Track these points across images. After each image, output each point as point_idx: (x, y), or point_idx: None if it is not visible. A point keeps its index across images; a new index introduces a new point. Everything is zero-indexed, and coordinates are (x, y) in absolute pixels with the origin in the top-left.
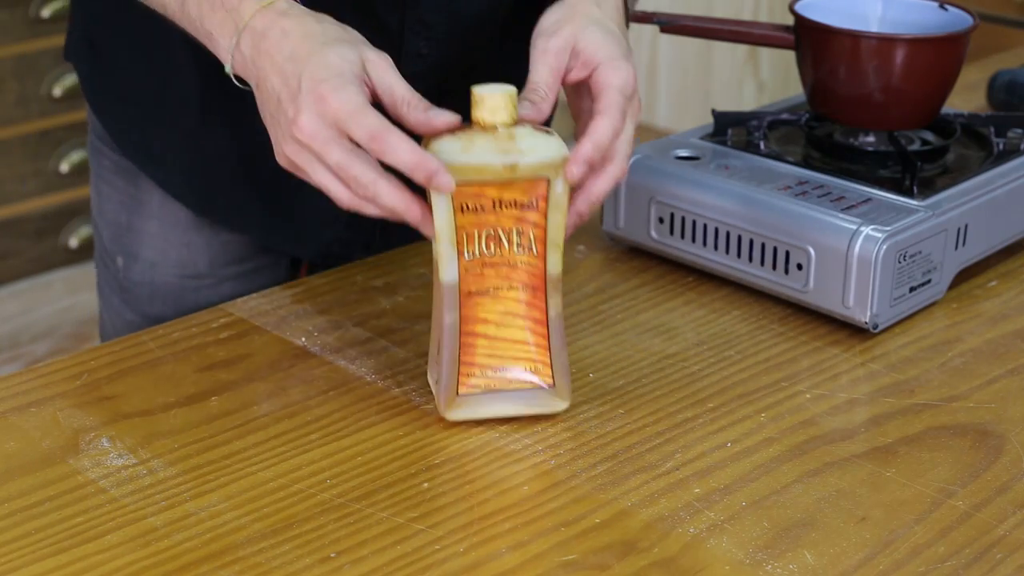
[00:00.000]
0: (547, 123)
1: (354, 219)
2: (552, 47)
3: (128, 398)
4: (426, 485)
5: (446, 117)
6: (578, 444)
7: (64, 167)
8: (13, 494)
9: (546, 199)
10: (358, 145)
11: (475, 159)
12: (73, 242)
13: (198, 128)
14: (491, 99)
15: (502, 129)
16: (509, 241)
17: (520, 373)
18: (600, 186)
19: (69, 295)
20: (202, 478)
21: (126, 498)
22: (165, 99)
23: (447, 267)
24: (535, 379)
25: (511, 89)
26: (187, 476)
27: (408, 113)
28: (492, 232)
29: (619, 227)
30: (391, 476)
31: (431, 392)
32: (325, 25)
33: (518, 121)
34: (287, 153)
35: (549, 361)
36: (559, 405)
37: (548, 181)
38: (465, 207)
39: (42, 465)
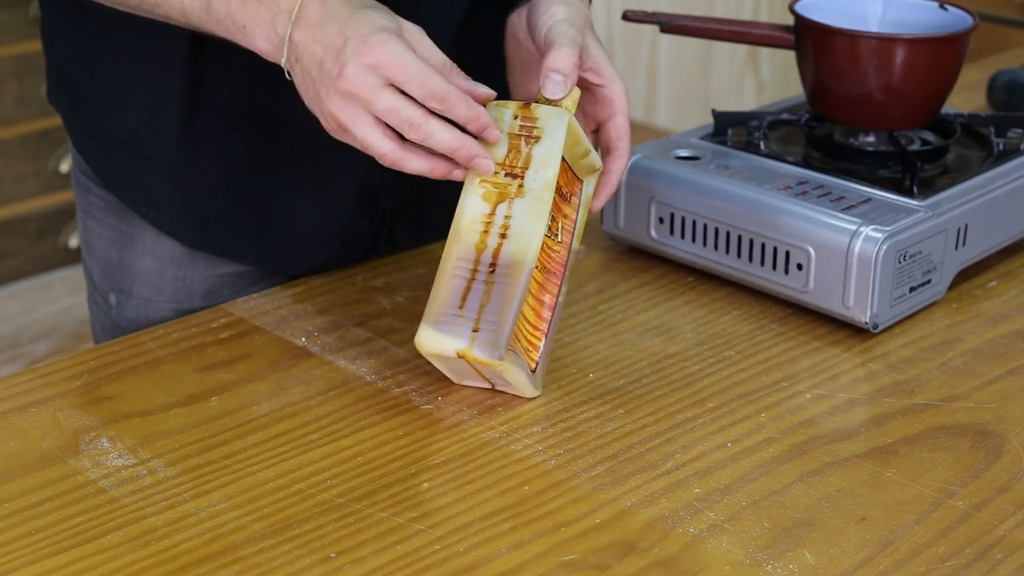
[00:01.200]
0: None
1: (350, 238)
2: (559, 23)
3: (128, 398)
4: (426, 485)
5: (485, 89)
6: (578, 444)
7: (64, 167)
8: (13, 494)
9: (579, 195)
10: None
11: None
12: (73, 242)
13: (185, 162)
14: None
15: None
16: (551, 229)
17: (512, 344)
18: (615, 179)
19: (69, 295)
20: (202, 478)
21: (126, 498)
22: (148, 137)
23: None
24: (528, 355)
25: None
26: (187, 476)
27: (452, 78)
28: (563, 222)
29: (619, 227)
30: (391, 476)
31: (431, 392)
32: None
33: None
34: (332, 110)
35: (540, 346)
36: (531, 391)
37: (582, 181)
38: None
39: (42, 465)
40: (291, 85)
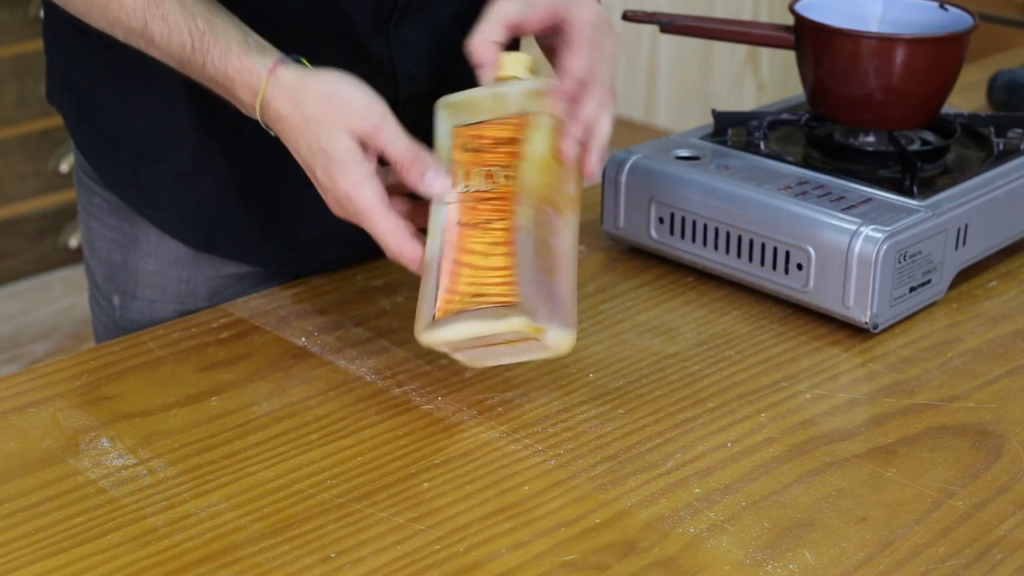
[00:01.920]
0: (515, 45)
1: (355, 238)
2: None
3: (128, 398)
4: (426, 485)
5: (438, 188)
6: (578, 444)
7: (64, 167)
8: (13, 494)
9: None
10: None
11: (471, 95)
12: (73, 242)
13: (192, 166)
14: (505, 57)
15: (508, 80)
16: (504, 177)
17: (492, 298)
18: (587, 109)
19: (69, 295)
20: (202, 478)
21: (126, 498)
22: (156, 141)
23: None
24: (500, 300)
25: (525, 56)
26: (187, 476)
27: (404, 176)
28: (488, 171)
29: (619, 227)
30: (391, 476)
31: (431, 392)
32: (307, 104)
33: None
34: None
35: (516, 280)
36: (523, 323)
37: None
38: (467, 147)
39: (42, 465)
40: None
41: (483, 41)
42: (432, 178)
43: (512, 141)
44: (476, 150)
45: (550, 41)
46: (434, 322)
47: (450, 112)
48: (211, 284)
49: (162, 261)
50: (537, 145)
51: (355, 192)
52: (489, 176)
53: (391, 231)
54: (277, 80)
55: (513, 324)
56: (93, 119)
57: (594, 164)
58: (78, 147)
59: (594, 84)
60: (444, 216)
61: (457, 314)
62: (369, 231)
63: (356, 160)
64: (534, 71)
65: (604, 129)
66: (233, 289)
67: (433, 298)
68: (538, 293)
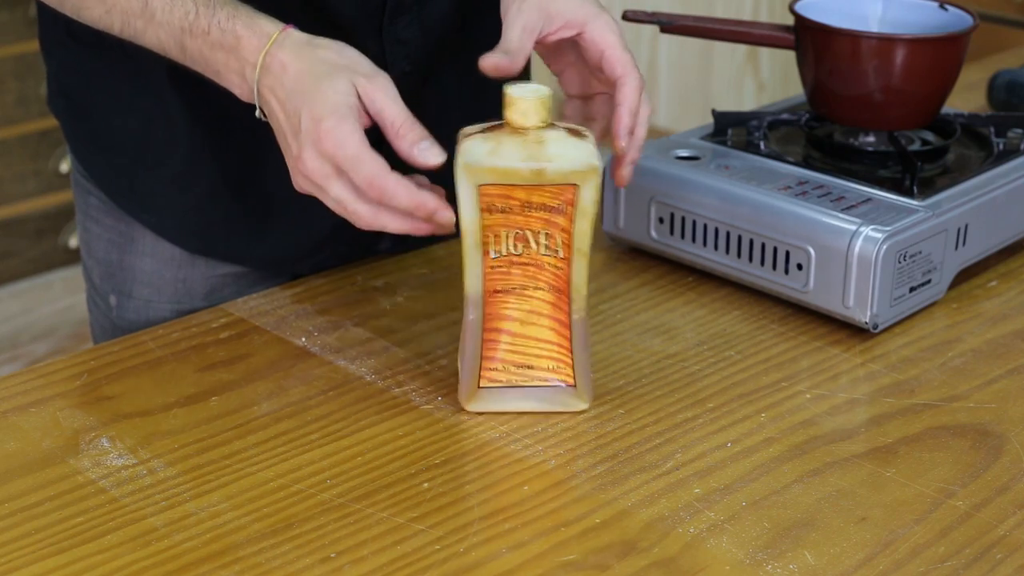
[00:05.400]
0: (524, 75)
1: (352, 239)
2: (525, 7)
3: (128, 398)
4: (426, 485)
5: (433, 159)
6: (578, 444)
7: (64, 167)
8: (13, 494)
9: (573, 204)
10: None
11: (502, 162)
12: (73, 242)
13: (187, 170)
14: (523, 102)
15: (533, 132)
16: (536, 242)
17: (542, 371)
18: (639, 135)
19: (69, 295)
20: (202, 478)
21: (126, 498)
22: (150, 145)
23: (471, 268)
24: (555, 378)
25: (544, 91)
26: (187, 476)
27: (396, 141)
28: (520, 232)
29: (619, 227)
30: (391, 476)
31: (431, 392)
32: (320, 52)
33: (552, 124)
34: (298, 183)
35: (571, 361)
36: (579, 405)
37: (576, 187)
38: (493, 207)
39: (42, 465)
40: None
41: (512, 51)
42: (427, 147)
43: (545, 207)
44: (504, 211)
45: (564, 57)
46: (480, 391)
47: (472, 175)
48: (208, 283)
49: (158, 261)
50: (583, 237)
51: (346, 136)
52: (521, 239)
53: (382, 171)
54: (288, 35)
55: (572, 406)
56: (88, 125)
57: (629, 173)
58: (74, 153)
59: (629, 76)
60: (479, 281)
61: (508, 386)
62: (359, 177)
63: (349, 105)
64: (550, 109)
65: (643, 142)
66: (230, 288)
67: (475, 367)
68: (587, 372)
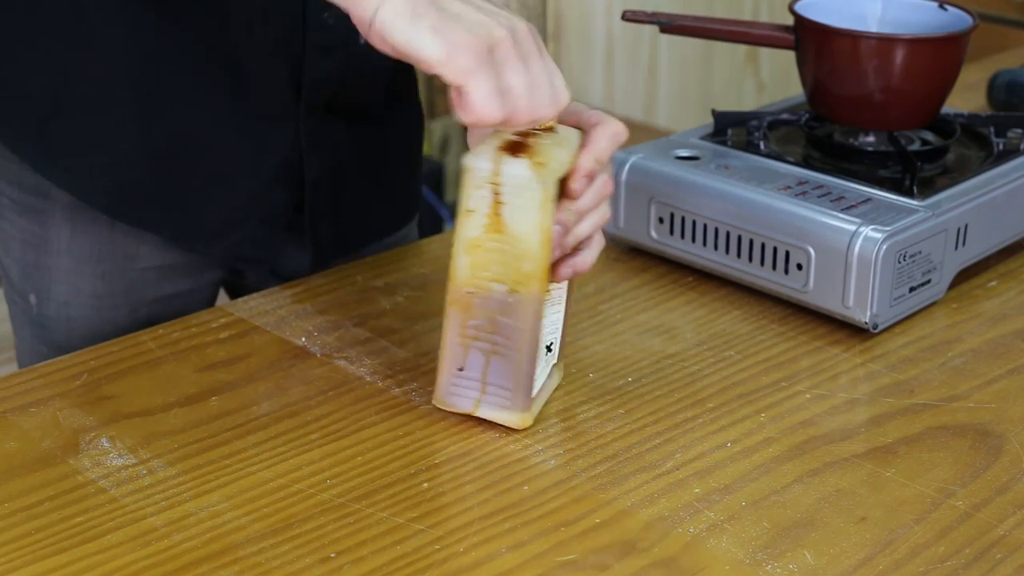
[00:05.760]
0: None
1: (266, 217)
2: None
3: (128, 398)
4: (426, 485)
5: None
6: (578, 444)
7: None
8: (13, 494)
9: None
10: None
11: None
12: None
13: (107, 128)
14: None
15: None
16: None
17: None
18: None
19: None
20: (202, 478)
21: (126, 498)
22: (67, 100)
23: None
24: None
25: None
26: (187, 476)
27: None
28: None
29: (619, 227)
30: (391, 476)
31: (431, 392)
32: None
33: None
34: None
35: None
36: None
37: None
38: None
39: (42, 465)
40: (214, 58)
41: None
42: None
43: None
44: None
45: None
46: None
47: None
48: (125, 278)
49: (75, 259)
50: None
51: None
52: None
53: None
54: None
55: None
56: None
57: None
58: None
59: (611, 144)
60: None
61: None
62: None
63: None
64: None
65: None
66: (151, 285)
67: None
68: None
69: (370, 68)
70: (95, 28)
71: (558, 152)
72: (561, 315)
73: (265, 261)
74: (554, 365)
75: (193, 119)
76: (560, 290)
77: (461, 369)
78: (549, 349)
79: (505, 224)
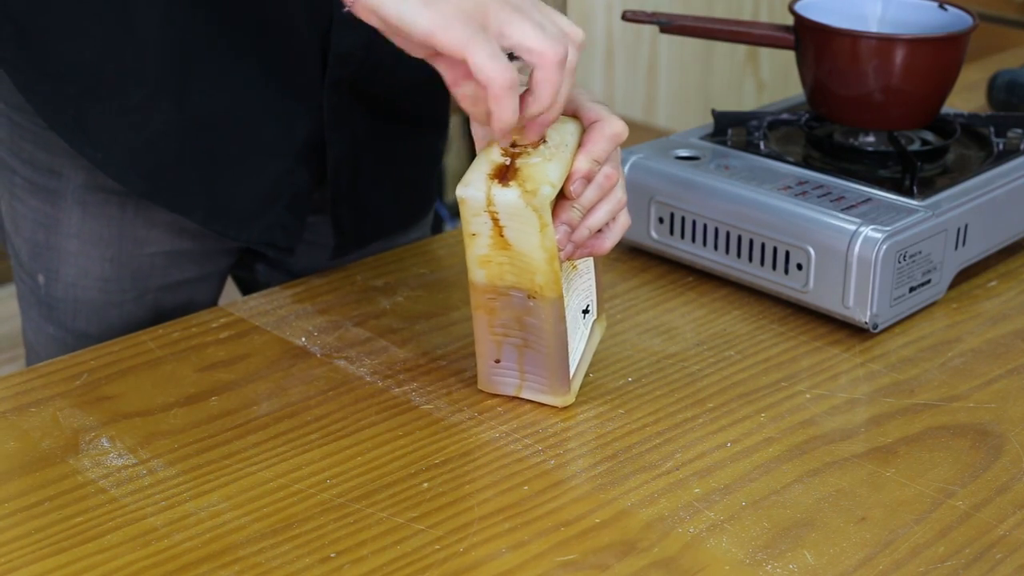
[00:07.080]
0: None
1: (291, 200)
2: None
3: (128, 398)
4: (426, 485)
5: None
6: (578, 444)
7: None
8: (13, 494)
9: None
10: None
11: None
12: None
13: (142, 104)
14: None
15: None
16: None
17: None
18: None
19: None
20: (202, 478)
21: (126, 498)
22: (105, 76)
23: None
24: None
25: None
26: (187, 476)
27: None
28: None
29: None
30: (391, 476)
31: (431, 392)
32: None
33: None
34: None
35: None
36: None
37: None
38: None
39: (42, 465)
40: (246, 32)
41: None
42: None
43: None
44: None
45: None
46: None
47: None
48: (134, 263)
49: (84, 242)
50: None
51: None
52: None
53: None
54: None
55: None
56: (36, 50)
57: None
58: (15, 82)
59: (609, 145)
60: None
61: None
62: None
63: None
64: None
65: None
66: (159, 271)
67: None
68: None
69: (393, 48)
70: (134, 4)
71: (550, 170)
72: (592, 280)
73: (288, 250)
74: (595, 321)
75: (225, 94)
76: (586, 261)
77: (498, 361)
78: (586, 311)
79: (510, 243)
